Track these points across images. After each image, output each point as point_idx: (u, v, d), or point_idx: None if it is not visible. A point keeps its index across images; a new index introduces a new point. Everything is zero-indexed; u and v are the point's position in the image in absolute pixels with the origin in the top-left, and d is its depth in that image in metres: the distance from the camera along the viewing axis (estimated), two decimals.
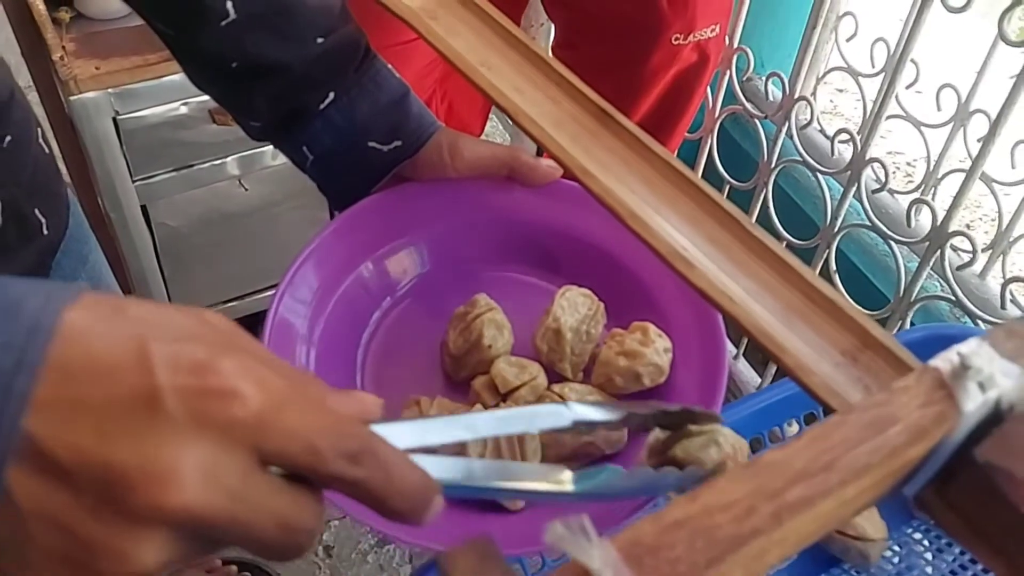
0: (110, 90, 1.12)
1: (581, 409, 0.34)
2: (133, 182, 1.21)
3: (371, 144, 0.54)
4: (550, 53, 1.08)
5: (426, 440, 0.31)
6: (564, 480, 0.33)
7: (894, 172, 2.18)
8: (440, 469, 0.30)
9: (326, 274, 0.51)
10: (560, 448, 0.45)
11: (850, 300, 0.35)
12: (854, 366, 0.33)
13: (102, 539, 0.24)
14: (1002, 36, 0.82)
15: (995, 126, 0.85)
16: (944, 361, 0.27)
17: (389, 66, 0.56)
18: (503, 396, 0.46)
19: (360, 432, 0.28)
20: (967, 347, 0.27)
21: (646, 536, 0.23)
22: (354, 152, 0.54)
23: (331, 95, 0.53)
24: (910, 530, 0.51)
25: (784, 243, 1.18)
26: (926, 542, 0.51)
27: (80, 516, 0.24)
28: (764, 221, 1.19)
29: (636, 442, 0.46)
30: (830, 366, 0.33)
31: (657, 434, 0.39)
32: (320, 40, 0.52)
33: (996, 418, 0.28)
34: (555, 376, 0.49)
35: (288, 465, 0.27)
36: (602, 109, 0.43)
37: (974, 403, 0.26)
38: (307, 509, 0.28)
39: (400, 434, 0.30)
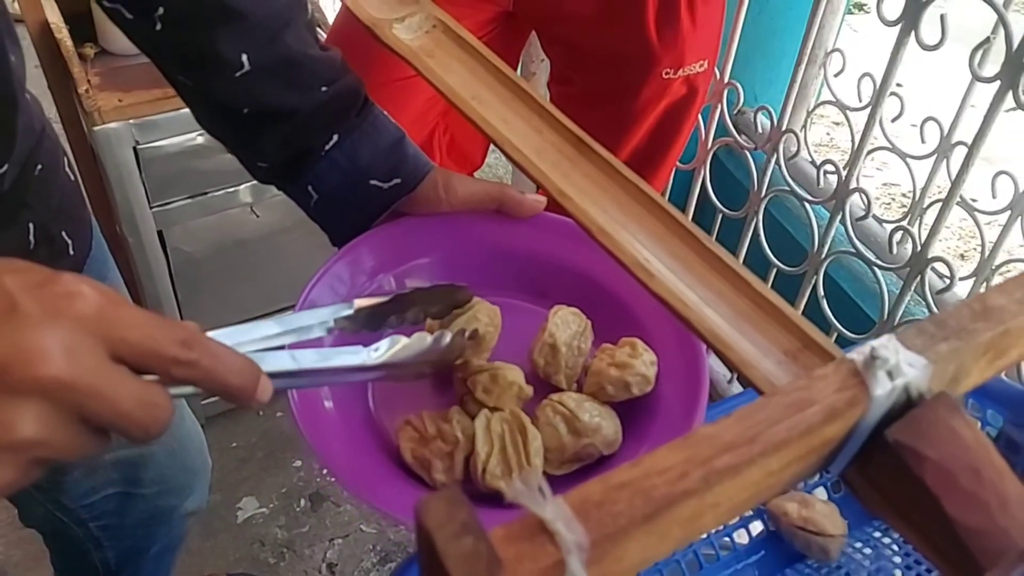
0: (131, 121, 1.18)
1: (361, 301, 0.46)
2: (151, 208, 1.27)
3: (372, 182, 0.58)
4: (546, 88, 1.13)
5: (240, 339, 0.39)
6: (367, 355, 0.42)
7: (889, 203, 2.23)
8: (265, 362, 0.38)
9: (353, 277, 0.57)
10: (563, 452, 0.49)
11: (789, 305, 0.39)
12: (794, 363, 0.37)
13: None
14: (973, 73, 0.86)
15: (968, 157, 0.89)
16: (859, 354, 0.31)
17: (385, 112, 0.60)
18: (464, 379, 0.51)
19: (187, 325, 0.35)
20: (878, 342, 0.31)
21: (593, 494, 0.27)
22: (357, 190, 0.59)
23: (335, 137, 0.58)
24: (871, 529, 0.55)
25: (775, 269, 1.23)
26: (886, 539, 0.54)
27: None
28: (755, 248, 1.24)
29: (629, 442, 0.51)
30: (773, 363, 0.37)
31: (431, 322, 0.53)
32: (324, 88, 0.57)
33: (909, 404, 0.32)
34: (551, 388, 0.53)
35: (133, 351, 0.32)
36: (580, 138, 0.47)
37: (883, 389, 0.30)
38: (157, 391, 0.34)
39: (219, 338, 0.37)
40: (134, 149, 1.20)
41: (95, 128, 1.17)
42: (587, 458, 0.50)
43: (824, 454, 0.31)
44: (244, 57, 0.54)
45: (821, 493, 0.56)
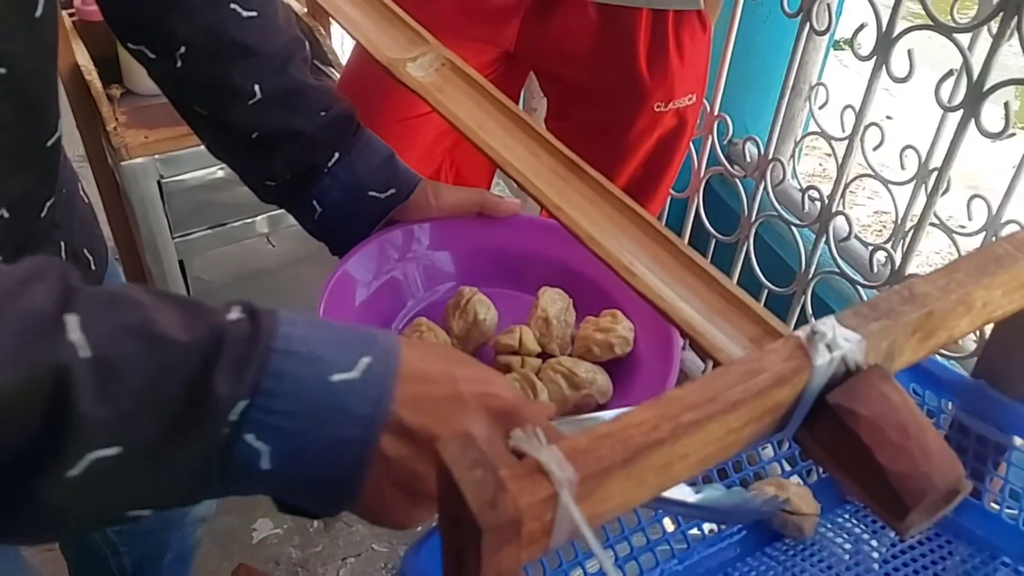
0: (156, 156, 1.25)
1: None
2: (173, 239, 1.34)
3: (371, 193, 0.67)
4: (544, 124, 1.21)
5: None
6: (688, 494, 0.49)
7: (880, 230, 2.29)
8: None
9: (380, 262, 0.66)
10: (565, 404, 0.57)
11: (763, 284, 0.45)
12: (757, 348, 0.43)
13: (427, 473, 0.38)
14: (939, 102, 0.93)
15: (938, 181, 0.96)
16: (802, 331, 0.37)
17: (376, 135, 0.69)
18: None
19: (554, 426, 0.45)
20: (819, 321, 0.37)
21: (581, 443, 0.33)
22: (357, 201, 0.67)
23: (336, 155, 0.66)
24: (842, 511, 0.60)
25: (766, 290, 1.29)
26: (853, 520, 0.60)
27: (418, 460, 0.38)
28: (748, 270, 1.30)
29: (618, 395, 0.59)
30: (739, 348, 0.43)
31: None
32: (323, 113, 0.65)
33: (848, 374, 0.38)
34: (546, 356, 0.62)
35: None
36: (573, 161, 0.54)
37: (822, 359, 0.36)
38: None
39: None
40: (158, 183, 1.27)
41: (122, 163, 1.24)
42: (587, 407, 0.58)
43: (777, 416, 0.37)
44: (256, 87, 0.62)
45: (796, 480, 0.62)
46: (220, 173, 1.31)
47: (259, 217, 1.39)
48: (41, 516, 0.33)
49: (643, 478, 0.34)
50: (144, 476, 0.34)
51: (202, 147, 1.28)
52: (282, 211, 1.39)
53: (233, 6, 0.60)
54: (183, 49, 0.60)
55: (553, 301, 0.62)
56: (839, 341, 0.37)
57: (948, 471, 0.36)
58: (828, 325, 0.37)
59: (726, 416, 0.35)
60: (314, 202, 0.67)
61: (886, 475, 0.36)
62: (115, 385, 0.32)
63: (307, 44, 0.67)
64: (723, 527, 0.59)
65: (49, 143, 0.52)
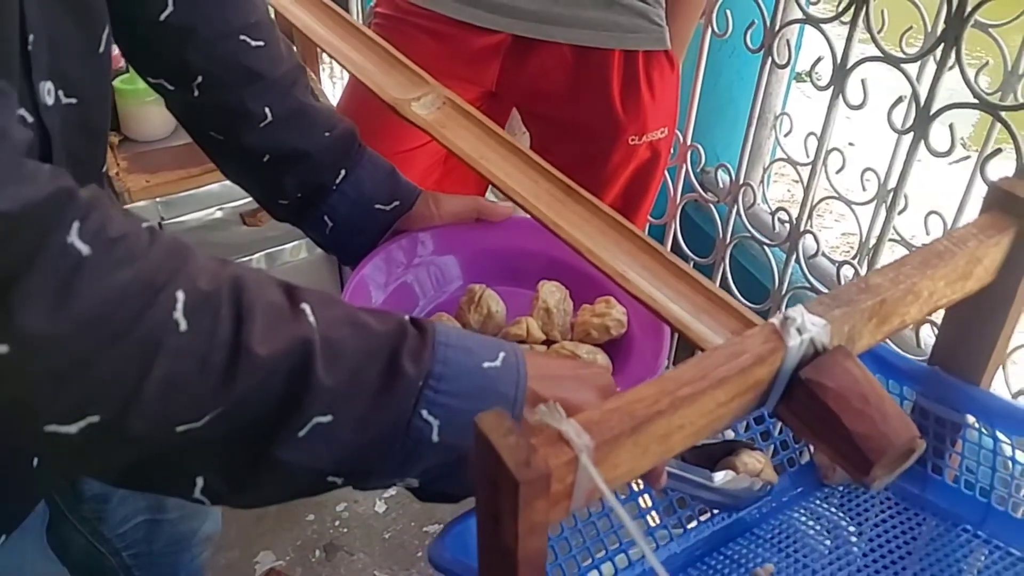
0: (158, 199, 1.31)
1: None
2: None
3: (377, 206, 0.73)
4: None
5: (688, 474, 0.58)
6: (713, 479, 0.58)
7: (848, 251, 2.39)
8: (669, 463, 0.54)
9: (384, 273, 0.73)
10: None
11: (739, 301, 0.52)
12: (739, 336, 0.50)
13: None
14: (891, 126, 1.02)
15: (894, 199, 1.04)
16: (776, 318, 0.44)
17: (376, 152, 0.76)
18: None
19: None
20: (789, 310, 0.44)
21: (594, 415, 0.39)
22: (365, 214, 0.73)
23: (343, 172, 0.72)
24: (821, 495, 0.67)
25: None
26: (838, 514, 0.66)
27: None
28: (725, 289, 1.37)
29: (616, 373, 0.66)
30: (722, 339, 0.50)
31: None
32: (327, 133, 0.72)
33: (816, 355, 0.44)
34: (549, 342, 0.69)
35: None
36: (567, 184, 0.61)
37: (794, 341, 0.43)
38: None
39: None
40: (159, 224, 1.33)
41: (125, 207, 1.29)
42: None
43: (759, 391, 0.44)
44: (267, 110, 0.69)
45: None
46: (218, 214, 1.37)
47: (256, 255, 1.45)
48: (274, 475, 0.41)
49: (647, 447, 0.40)
50: (346, 442, 0.41)
51: (201, 189, 1.36)
52: (278, 248, 1.46)
53: (242, 37, 0.67)
54: (199, 79, 0.67)
55: (552, 293, 0.69)
56: (808, 325, 0.43)
57: (903, 431, 0.42)
58: (798, 312, 0.43)
59: (715, 391, 0.41)
60: (325, 218, 0.73)
61: (851, 437, 0.42)
62: (337, 361, 0.41)
63: (307, 71, 0.74)
64: (715, 511, 0.64)
65: (103, 170, 0.58)
